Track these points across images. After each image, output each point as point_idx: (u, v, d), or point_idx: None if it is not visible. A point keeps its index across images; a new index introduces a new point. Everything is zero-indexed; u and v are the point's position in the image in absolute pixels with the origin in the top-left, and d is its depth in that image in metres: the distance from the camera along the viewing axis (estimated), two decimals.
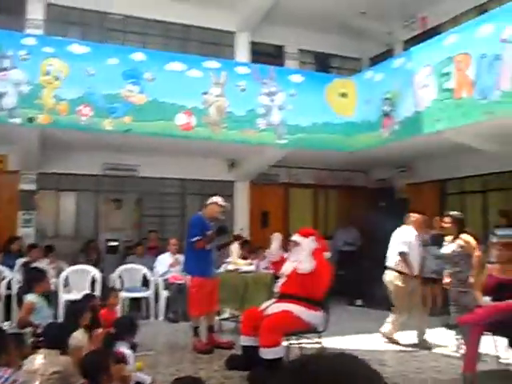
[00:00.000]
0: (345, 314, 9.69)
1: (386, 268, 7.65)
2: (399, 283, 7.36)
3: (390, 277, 7.54)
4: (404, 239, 7.53)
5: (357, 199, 13.19)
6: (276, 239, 6.16)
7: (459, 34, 8.61)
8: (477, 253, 6.67)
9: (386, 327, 7.48)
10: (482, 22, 8.14)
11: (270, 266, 7.20)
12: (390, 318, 7.48)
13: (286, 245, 6.50)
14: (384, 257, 9.44)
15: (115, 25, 11.93)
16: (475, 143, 8.97)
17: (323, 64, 14.03)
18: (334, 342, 6.68)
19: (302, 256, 5.59)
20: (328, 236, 12.79)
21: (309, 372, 0.95)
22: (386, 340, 7.42)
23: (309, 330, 5.76)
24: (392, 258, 7.57)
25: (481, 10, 10.39)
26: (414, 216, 7.86)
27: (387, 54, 12.86)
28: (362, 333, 8.04)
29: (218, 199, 7.22)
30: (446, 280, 6.88)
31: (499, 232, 8.13)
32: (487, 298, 5.79)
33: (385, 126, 9.96)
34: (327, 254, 5.90)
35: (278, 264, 6.11)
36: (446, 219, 7.04)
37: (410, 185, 12.29)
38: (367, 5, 12.03)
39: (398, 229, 7.84)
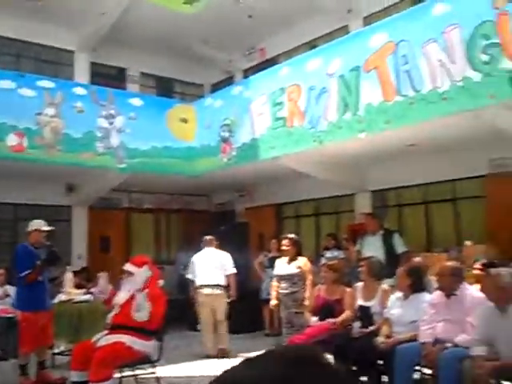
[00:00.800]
0: (185, 340, 9.59)
1: (202, 287, 8.26)
2: (226, 300, 8.04)
3: (216, 294, 8.21)
4: (229, 261, 8.46)
5: (198, 223, 13.24)
6: (102, 277, 5.96)
7: (291, 66, 9.11)
8: (311, 275, 6.95)
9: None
10: (311, 57, 8.69)
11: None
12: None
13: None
14: None
15: None
16: (307, 169, 9.47)
17: (166, 88, 14.06)
18: (170, 371, 6.57)
19: (139, 298, 5.42)
20: (171, 261, 12.74)
21: None
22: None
23: (143, 359, 5.60)
24: (219, 278, 8.26)
25: (312, 45, 11.11)
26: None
27: (228, 82, 13.23)
28: (201, 358, 8.01)
29: (38, 224, 6.81)
30: (273, 302, 7.11)
31: (327, 254, 8.66)
32: (315, 318, 6.07)
33: (224, 152, 10.17)
34: (161, 282, 5.81)
35: (110, 301, 5.90)
36: (285, 242, 7.27)
37: (249, 209, 12.65)
38: (210, 33, 12.30)
39: (208, 251, 8.60)
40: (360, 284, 5.97)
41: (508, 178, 8.09)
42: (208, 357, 7.96)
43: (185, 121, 11.07)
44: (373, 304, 5.69)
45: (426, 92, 6.83)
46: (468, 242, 8.06)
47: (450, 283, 4.83)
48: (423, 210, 9.62)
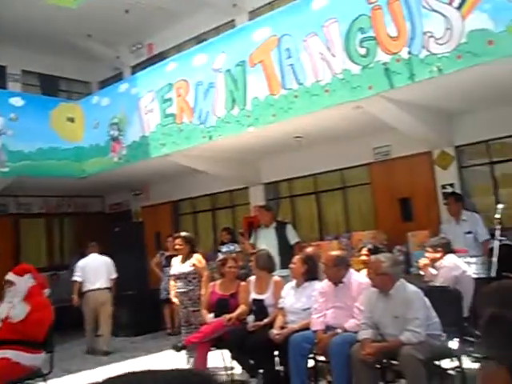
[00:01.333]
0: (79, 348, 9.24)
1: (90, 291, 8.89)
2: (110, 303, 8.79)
3: (104, 297, 8.85)
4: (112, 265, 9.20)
5: (93, 225, 12.80)
6: None
7: (178, 61, 8.99)
8: (206, 272, 6.90)
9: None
10: (198, 52, 8.62)
11: None
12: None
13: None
14: (121, 282, 9.40)
15: None
16: (199, 166, 9.43)
17: (50, 87, 13.42)
18: (62, 382, 6.31)
19: (15, 301, 5.14)
20: (65, 266, 12.25)
21: None
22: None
23: (31, 373, 5.32)
24: (105, 282, 8.94)
25: (200, 39, 11.02)
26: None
27: (117, 79, 12.85)
28: (104, 364, 7.76)
29: None
30: (175, 300, 6.99)
31: (223, 249, 8.67)
32: (211, 315, 6.05)
33: (114, 151, 9.88)
34: (47, 291, 5.54)
35: None
36: (177, 240, 7.18)
37: (145, 207, 12.41)
38: (95, 28, 11.87)
39: (93, 257, 9.22)
40: (253, 277, 6.01)
41: (390, 165, 8.49)
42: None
43: (71, 120, 10.64)
44: (266, 296, 5.75)
45: (309, 85, 6.98)
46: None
47: (335, 272, 4.97)
48: (314, 199, 9.87)
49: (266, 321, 5.54)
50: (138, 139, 9.42)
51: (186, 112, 8.59)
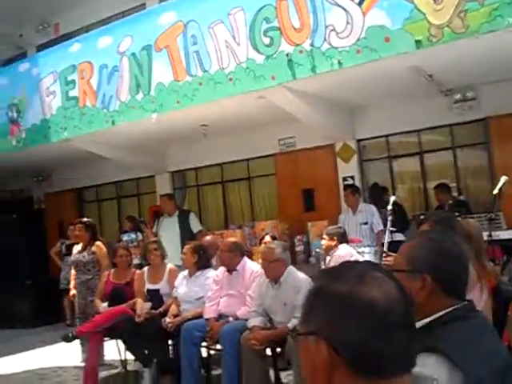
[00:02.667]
0: None
1: None
2: None
3: None
4: None
5: None
6: None
7: (83, 42, 8.66)
8: (106, 261, 6.64)
9: None
10: (103, 34, 8.33)
11: None
12: None
13: None
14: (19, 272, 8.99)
15: None
16: (102, 152, 9.16)
17: None
18: None
19: None
20: None
21: None
22: None
23: None
24: None
25: (108, 22, 10.64)
26: None
27: (21, 58, 12.20)
28: None
29: None
30: (73, 291, 6.74)
31: (125, 237, 8.49)
32: (105, 304, 5.87)
33: (12, 133, 9.40)
34: None
35: None
36: (77, 226, 6.89)
37: (48, 194, 11.92)
38: None
39: None
40: (147, 267, 5.88)
41: (294, 157, 8.62)
42: None
43: None
44: (161, 286, 5.65)
45: (213, 72, 6.92)
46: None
47: (229, 259, 4.96)
48: (221, 188, 9.85)
49: (160, 309, 5.44)
50: (39, 122, 9.01)
51: (88, 95, 8.30)
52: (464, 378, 1.37)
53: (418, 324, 1.49)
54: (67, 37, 11.27)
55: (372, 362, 0.97)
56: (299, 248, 7.81)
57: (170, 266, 5.78)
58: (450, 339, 1.46)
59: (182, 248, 6.88)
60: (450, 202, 6.64)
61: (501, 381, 1.42)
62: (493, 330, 1.67)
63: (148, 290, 5.67)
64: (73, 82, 8.54)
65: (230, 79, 6.78)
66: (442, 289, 1.58)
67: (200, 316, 5.04)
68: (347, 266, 1.11)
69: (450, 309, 1.56)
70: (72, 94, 8.53)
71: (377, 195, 7.85)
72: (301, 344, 1.08)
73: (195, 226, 7.72)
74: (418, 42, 5.63)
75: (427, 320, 1.56)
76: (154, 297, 5.64)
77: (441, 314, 1.56)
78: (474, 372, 1.38)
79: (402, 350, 0.99)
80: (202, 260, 5.35)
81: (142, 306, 5.54)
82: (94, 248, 6.56)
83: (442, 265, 1.60)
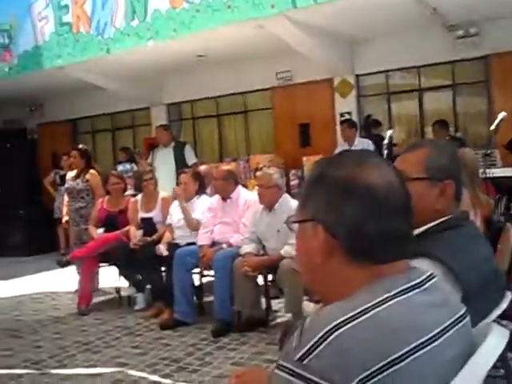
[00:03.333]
0: None
1: None
2: None
3: None
4: None
5: None
6: None
7: None
8: (100, 190, 6.59)
9: None
10: None
11: None
12: None
13: None
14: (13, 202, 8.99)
15: None
16: (97, 81, 8.98)
17: None
18: None
19: None
20: None
21: None
22: None
23: None
24: None
25: None
26: None
27: None
28: None
29: None
30: (66, 218, 6.74)
31: (119, 167, 8.46)
32: (100, 231, 5.91)
33: (4, 59, 9.18)
34: None
35: None
36: (73, 153, 6.79)
37: (41, 125, 11.78)
38: None
39: None
40: (140, 195, 5.86)
41: (292, 91, 8.49)
42: None
43: None
44: (154, 214, 5.66)
45: None
46: None
47: (223, 186, 4.96)
48: (216, 122, 9.76)
49: (153, 237, 5.48)
50: (31, 49, 8.78)
51: (82, 21, 8.07)
52: (456, 282, 1.38)
53: (415, 232, 1.49)
54: None
55: (368, 246, 0.96)
56: (294, 182, 7.80)
57: (162, 194, 5.78)
58: (444, 246, 1.47)
59: (177, 179, 6.91)
60: (447, 138, 6.60)
61: (485, 285, 1.45)
62: (484, 238, 1.69)
63: (141, 219, 5.69)
64: (66, 6, 8.29)
65: (229, 6, 6.58)
66: (456, 195, 1.61)
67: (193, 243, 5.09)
68: (346, 153, 1.09)
69: (448, 217, 1.57)
70: (65, 19, 8.28)
71: (367, 127, 7.80)
72: (298, 231, 1.08)
73: (190, 157, 7.66)
74: None
75: (422, 228, 1.56)
76: (147, 225, 5.67)
77: (437, 222, 1.56)
78: (466, 276, 1.40)
79: (399, 236, 0.98)
80: (201, 187, 5.37)
81: (135, 234, 5.58)
82: (88, 176, 6.50)
83: (459, 172, 1.65)
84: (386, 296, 0.92)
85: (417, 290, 0.96)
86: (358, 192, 0.96)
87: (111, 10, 7.70)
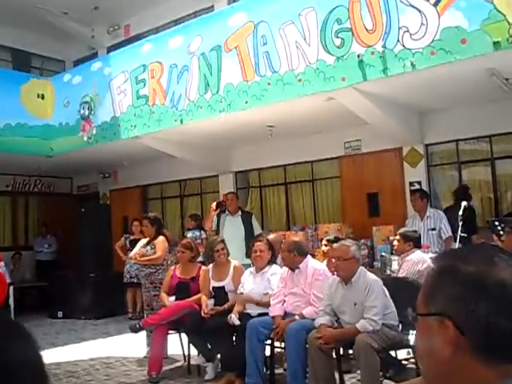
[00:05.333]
0: (46, 328, 9.14)
1: None
2: None
3: None
4: None
5: (60, 206, 12.62)
6: None
7: (154, 43, 8.87)
8: (161, 252, 6.65)
9: None
10: (173, 34, 8.51)
11: None
12: None
13: None
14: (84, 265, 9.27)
15: None
16: (169, 150, 9.34)
17: (23, 62, 13.10)
18: None
19: None
20: (29, 246, 12.13)
21: None
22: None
23: None
24: None
25: (177, 24, 10.88)
26: None
27: (91, 59, 12.62)
28: (60, 345, 7.67)
29: None
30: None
31: (189, 234, 8.62)
32: (172, 298, 5.98)
33: (84, 130, 9.72)
34: (1, 264, 5.42)
35: None
36: (145, 222, 7.03)
37: (113, 190, 12.26)
38: (71, 6, 11.62)
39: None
40: (211, 265, 5.91)
41: (360, 160, 8.53)
42: None
43: (42, 97, 10.42)
44: (226, 283, 5.68)
45: (282, 73, 6.94)
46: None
47: (289, 257, 4.97)
48: (283, 190, 9.87)
49: (225, 306, 5.49)
50: (109, 120, 9.28)
51: (158, 94, 8.49)
52: None
53: None
54: (137, 38, 11.60)
55: (500, 344, 0.95)
56: (363, 252, 7.69)
57: (234, 263, 5.82)
58: None
59: (247, 247, 6.96)
60: None
61: None
62: None
63: (213, 288, 5.72)
64: (143, 81, 8.76)
65: (299, 80, 6.78)
66: None
67: (265, 313, 5.07)
68: (472, 247, 1.09)
69: None
70: (142, 92, 8.74)
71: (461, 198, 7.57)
72: (420, 325, 1.06)
73: (257, 227, 7.79)
74: (496, 44, 5.46)
75: None
76: (219, 294, 5.69)
77: None
78: None
79: None
80: (272, 256, 5.40)
81: (207, 303, 5.60)
82: (155, 241, 6.68)
83: None
84: None
85: None
86: (490, 289, 0.96)
87: (185, 83, 8.07)
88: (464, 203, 5.89)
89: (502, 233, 4.64)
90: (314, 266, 4.99)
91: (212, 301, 5.59)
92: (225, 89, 7.58)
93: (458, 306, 0.98)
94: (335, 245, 4.67)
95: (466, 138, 7.88)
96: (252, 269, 5.48)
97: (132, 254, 6.96)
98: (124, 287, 9.75)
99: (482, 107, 7.41)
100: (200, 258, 7.40)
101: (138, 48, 9.10)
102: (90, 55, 13.19)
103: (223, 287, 5.70)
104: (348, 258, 4.37)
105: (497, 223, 4.86)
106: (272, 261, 5.45)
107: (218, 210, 7.88)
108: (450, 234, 6.58)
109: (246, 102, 7.35)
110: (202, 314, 5.42)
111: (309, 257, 5.12)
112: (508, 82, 6.56)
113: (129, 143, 9.22)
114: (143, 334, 6.40)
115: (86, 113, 9.67)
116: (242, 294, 5.42)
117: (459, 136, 7.83)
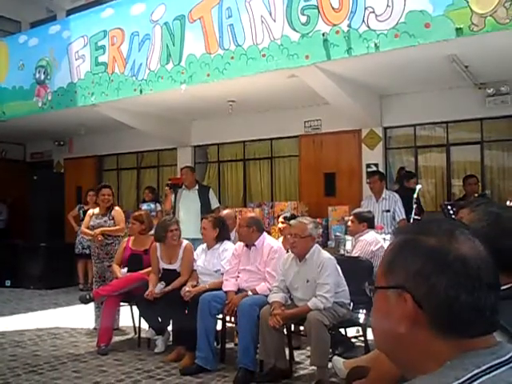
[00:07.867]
0: None
1: None
2: None
3: None
4: None
5: (11, 173, 12.24)
6: None
7: (115, 8, 8.59)
8: (123, 224, 6.61)
9: None
10: (137, 1, 8.25)
11: None
12: None
13: None
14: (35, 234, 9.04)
15: None
16: (128, 120, 9.15)
17: None
18: None
19: None
20: None
21: None
22: None
23: None
24: None
25: None
26: None
27: (49, 21, 12.18)
28: (7, 314, 7.50)
29: None
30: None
31: (144, 206, 8.51)
32: (124, 270, 5.90)
33: (39, 95, 9.40)
34: None
35: None
36: (106, 190, 6.79)
37: (68, 159, 11.96)
38: None
39: None
40: (158, 244, 5.60)
41: (319, 140, 8.56)
42: None
43: None
44: (177, 266, 5.52)
45: (246, 47, 6.85)
46: None
47: (247, 234, 4.94)
48: (242, 166, 9.83)
49: (173, 284, 5.33)
50: (66, 86, 8.99)
51: (118, 62, 8.26)
52: None
53: None
54: (98, 3, 11.23)
55: (458, 319, 0.94)
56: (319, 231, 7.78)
57: (186, 243, 5.63)
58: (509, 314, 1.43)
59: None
60: (476, 194, 6.58)
61: None
62: None
63: (164, 269, 5.58)
64: (103, 47, 8.51)
65: (263, 55, 6.71)
66: None
67: (218, 288, 5.04)
68: (434, 221, 1.07)
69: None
70: (101, 59, 8.49)
71: (401, 180, 7.77)
72: (377, 297, 1.04)
73: (214, 202, 7.72)
74: (458, 30, 5.52)
75: None
76: (171, 276, 5.47)
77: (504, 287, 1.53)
78: None
79: (491, 310, 0.96)
80: (221, 233, 5.33)
81: (154, 283, 5.44)
82: (113, 212, 6.57)
83: None
84: (476, 372, 0.89)
85: (506, 367, 0.93)
86: (451, 263, 0.94)
87: (147, 52, 7.88)
88: (419, 186, 5.99)
89: (453, 216, 4.74)
90: (270, 243, 4.97)
91: (163, 284, 5.44)
92: (187, 60, 7.44)
93: (417, 279, 0.96)
94: (293, 221, 4.67)
95: (424, 123, 8.01)
96: (204, 245, 5.43)
97: (84, 227, 6.76)
98: (75, 258, 9.58)
99: (442, 93, 7.53)
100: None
101: (99, 13, 8.81)
102: (49, 18, 12.73)
103: (174, 270, 5.55)
104: (305, 236, 4.38)
105: (449, 207, 4.96)
106: (224, 237, 5.38)
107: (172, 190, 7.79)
108: (404, 216, 6.69)
109: (208, 75, 7.23)
110: (148, 297, 5.28)
111: (265, 234, 5.11)
112: (468, 70, 6.67)
113: (85, 111, 8.98)
114: (93, 305, 6.32)
115: (42, 77, 9.34)
116: (194, 270, 5.37)
117: (417, 121, 7.94)
